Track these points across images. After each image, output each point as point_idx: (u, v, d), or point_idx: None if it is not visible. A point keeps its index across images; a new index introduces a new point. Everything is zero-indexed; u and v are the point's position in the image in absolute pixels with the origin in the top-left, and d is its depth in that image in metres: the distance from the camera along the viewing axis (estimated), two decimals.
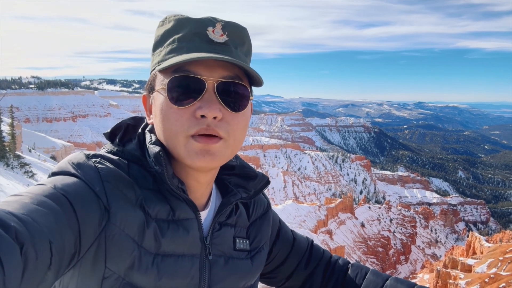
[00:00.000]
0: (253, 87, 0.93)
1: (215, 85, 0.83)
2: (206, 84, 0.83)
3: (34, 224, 0.64)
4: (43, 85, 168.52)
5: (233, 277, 0.97)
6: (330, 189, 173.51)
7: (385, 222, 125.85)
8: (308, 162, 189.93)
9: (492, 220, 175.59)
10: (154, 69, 0.89)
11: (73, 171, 0.81)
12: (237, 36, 0.89)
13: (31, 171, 29.92)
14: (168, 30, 0.87)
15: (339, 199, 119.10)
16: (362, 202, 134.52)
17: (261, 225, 1.13)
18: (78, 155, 0.86)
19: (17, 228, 0.60)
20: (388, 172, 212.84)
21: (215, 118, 0.83)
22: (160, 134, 0.88)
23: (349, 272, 1.28)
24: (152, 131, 0.93)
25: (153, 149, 0.87)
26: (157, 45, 0.90)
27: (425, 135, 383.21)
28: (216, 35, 0.85)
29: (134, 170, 0.88)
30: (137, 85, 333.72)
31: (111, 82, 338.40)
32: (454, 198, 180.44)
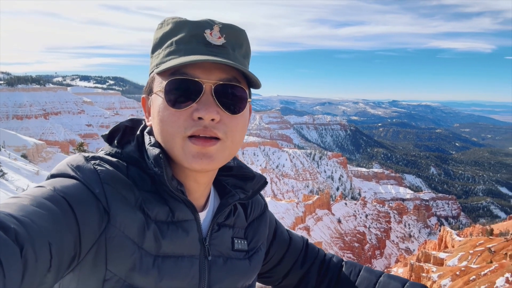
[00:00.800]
0: (252, 90, 0.95)
1: (213, 87, 0.84)
2: (204, 86, 0.83)
3: (34, 226, 0.64)
4: (13, 81, 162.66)
5: (232, 277, 0.98)
6: (307, 186, 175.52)
7: (360, 217, 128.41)
8: (286, 160, 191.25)
9: (462, 214, 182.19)
10: (153, 71, 0.90)
11: (72, 173, 0.81)
12: (235, 38, 0.89)
13: (1, 170, 28.84)
14: (166, 32, 0.88)
15: (317, 196, 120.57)
16: (339, 199, 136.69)
17: (259, 226, 1.13)
18: (77, 157, 0.86)
19: (16, 230, 0.60)
20: (364, 169, 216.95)
21: (213, 120, 0.83)
22: (158, 136, 0.89)
23: (343, 269, 1.30)
24: (151, 133, 0.93)
25: (153, 151, 0.87)
26: (156, 47, 0.90)
27: (399, 133, 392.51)
28: (214, 37, 0.86)
29: (133, 172, 0.89)
30: (111, 82, 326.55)
31: (85, 78, 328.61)
32: (426, 194, 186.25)
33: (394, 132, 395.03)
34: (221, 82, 0.84)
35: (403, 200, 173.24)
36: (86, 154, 0.87)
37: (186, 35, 0.86)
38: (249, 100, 0.91)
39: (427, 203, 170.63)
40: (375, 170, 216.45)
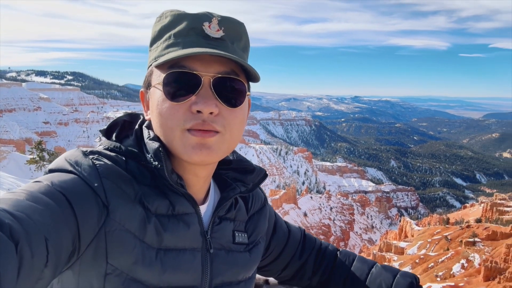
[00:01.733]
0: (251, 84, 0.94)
1: (211, 80, 0.83)
2: (202, 79, 0.83)
3: (29, 222, 0.63)
4: None
5: (233, 270, 0.99)
6: (274, 181, 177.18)
7: (325, 210, 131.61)
8: (253, 156, 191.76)
9: (421, 205, 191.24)
10: (151, 65, 0.89)
11: (70, 168, 0.80)
12: (234, 31, 0.89)
13: None
14: (165, 25, 0.87)
15: (283, 191, 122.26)
16: (305, 193, 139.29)
17: (259, 219, 1.14)
18: (75, 152, 0.85)
19: (11, 225, 0.59)
20: (328, 163, 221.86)
21: (211, 113, 0.83)
22: (157, 129, 0.88)
23: (337, 259, 1.32)
24: (149, 127, 0.93)
25: (152, 145, 0.87)
26: (154, 40, 0.90)
27: (361, 128, 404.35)
28: (212, 30, 0.85)
29: (132, 166, 0.88)
30: (70, 77, 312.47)
31: (41, 73, 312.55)
32: (387, 186, 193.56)
33: (357, 127, 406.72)
34: (219, 75, 0.84)
35: (366, 192, 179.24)
36: (85, 149, 0.86)
37: (184, 28, 0.85)
38: (247, 93, 0.91)
39: (388, 195, 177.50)
40: (339, 164, 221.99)
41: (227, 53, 0.82)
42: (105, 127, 0.97)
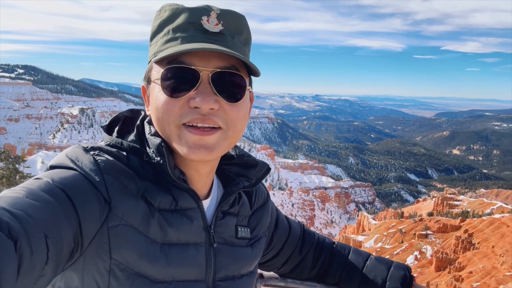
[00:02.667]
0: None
1: (210, 75, 0.82)
2: (201, 74, 0.82)
3: (29, 219, 0.63)
4: None
5: (236, 264, 1.00)
6: None
7: (287, 207, 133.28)
8: None
9: (377, 200, 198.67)
10: (151, 60, 0.88)
11: (71, 164, 0.80)
12: (234, 24, 0.87)
13: None
14: (164, 20, 0.86)
15: None
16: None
17: (262, 215, 1.15)
18: (75, 148, 0.85)
19: (10, 223, 0.59)
20: (290, 160, 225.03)
21: (212, 109, 0.83)
22: (155, 124, 0.88)
23: (334, 252, 1.37)
24: (151, 122, 0.93)
25: (154, 140, 0.87)
26: (154, 35, 0.89)
27: (321, 126, 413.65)
28: (211, 24, 0.83)
29: (134, 161, 0.88)
30: (21, 70, 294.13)
31: None
32: (346, 182, 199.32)
33: (317, 125, 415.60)
34: (218, 70, 0.82)
35: (326, 188, 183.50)
36: (86, 145, 0.87)
37: (183, 22, 0.84)
38: (248, 88, 0.89)
39: (346, 190, 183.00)
40: (300, 161, 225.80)
41: (225, 48, 0.81)
42: (106, 123, 0.97)
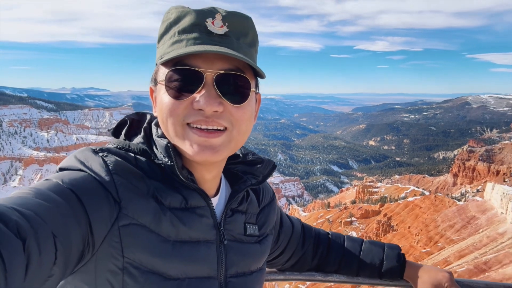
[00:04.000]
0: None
1: (214, 77, 0.83)
2: (205, 76, 0.82)
3: (37, 219, 0.63)
4: None
5: (246, 261, 1.02)
6: None
7: None
8: None
9: (305, 193, 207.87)
10: (157, 62, 0.89)
11: (80, 166, 0.81)
12: (239, 26, 0.87)
13: None
14: (170, 22, 0.87)
15: None
16: None
17: (269, 212, 1.18)
18: (84, 151, 0.86)
19: (19, 223, 0.59)
20: None
21: (216, 111, 0.83)
22: (161, 125, 0.90)
23: (331, 241, 1.44)
24: (158, 124, 0.94)
25: (161, 141, 0.89)
26: (161, 37, 0.90)
27: None
28: (216, 26, 0.84)
29: (142, 162, 0.89)
30: None
31: None
32: (276, 178, 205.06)
33: None
34: (222, 72, 0.83)
35: None
36: (94, 147, 0.88)
37: (188, 24, 0.85)
38: (253, 90, 0.90)
39: (277, 186, 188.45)
40: None
41: (229, 50, 0.81)
42: (113, 126, 0.99)
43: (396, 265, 1.37)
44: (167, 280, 0.85)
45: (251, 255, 1.04)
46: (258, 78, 0.95)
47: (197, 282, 0.90)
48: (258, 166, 1.08)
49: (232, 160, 1.09)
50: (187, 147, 0.85)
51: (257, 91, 0.95)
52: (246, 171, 1.07)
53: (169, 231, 0.86)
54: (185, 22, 0.85)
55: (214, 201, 0.99)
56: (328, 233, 1.47)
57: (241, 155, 1.09)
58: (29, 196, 0.67)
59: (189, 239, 0.89)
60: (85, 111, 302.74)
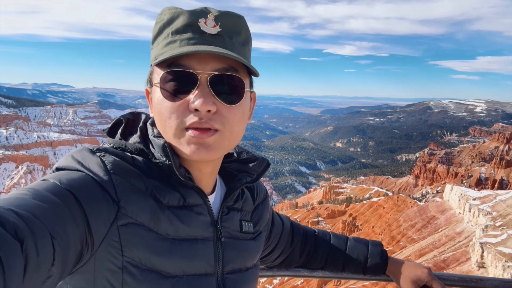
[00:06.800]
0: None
1: (208, 78, 0.83)
2: (199, 77, 0.82)
3: (35, 220, 0.63)
4: None
5: (242, 257, 1.03)
6: None
7: None
8: None
9: (274, 193, 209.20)
10: (152, 63, 0.90)
11: (78, 166, 0.80)
12: (232, 26, 0.88)
13: None
14: (164, 24, 0.87)
15: None
16: None
17: (263, 210, 1.19)
18: (81, 150, 0.86)
19: (16, 224, 0.59)
20: None
21: (209, 111, 0.83)
22: (158, 126, 0.90)
23: (317, 238, 1.48)
24: (154, 124, 0.95)
25: (158, 141, 0.88)
26: (155, 38, 0.90)
27: None
28: (208, 26, 0.84)
29: (139, 162, 0.89)
30: None
31: None
32: None
33: None
34: (216, 73, 0.83)
35: None
36: (91, 147, 0.87)
37: (181, 25, 0.85)
38: (247, 89, 0.90)
39: None
40: None
41: (222, 50, 0.81)
42: (109, 125, 0.98)
43: (380, 262, 1.44)
44: (166, 278, 0.86)
45: (247, 251, 1.05)
46: (253, 77, 0.95)
47: (195, 279, 0.91)
48: (252, 164, 1.09)
49: (227, 158, 1.09)
50: (184, 147, 0.85)
51: (252, 90, 0.96)
52: (240, 169, 1.08)
53: (168, 229, 0.86)
54: (178, 23, 0.85)
55: (211, 199, 1.00)
56: (315, 231, 1.49)
57: (235, 153, 1.10)
58: (27, 197, 0.67)
59: (187, 237, 0.90)
60: (47, 108, 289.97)
